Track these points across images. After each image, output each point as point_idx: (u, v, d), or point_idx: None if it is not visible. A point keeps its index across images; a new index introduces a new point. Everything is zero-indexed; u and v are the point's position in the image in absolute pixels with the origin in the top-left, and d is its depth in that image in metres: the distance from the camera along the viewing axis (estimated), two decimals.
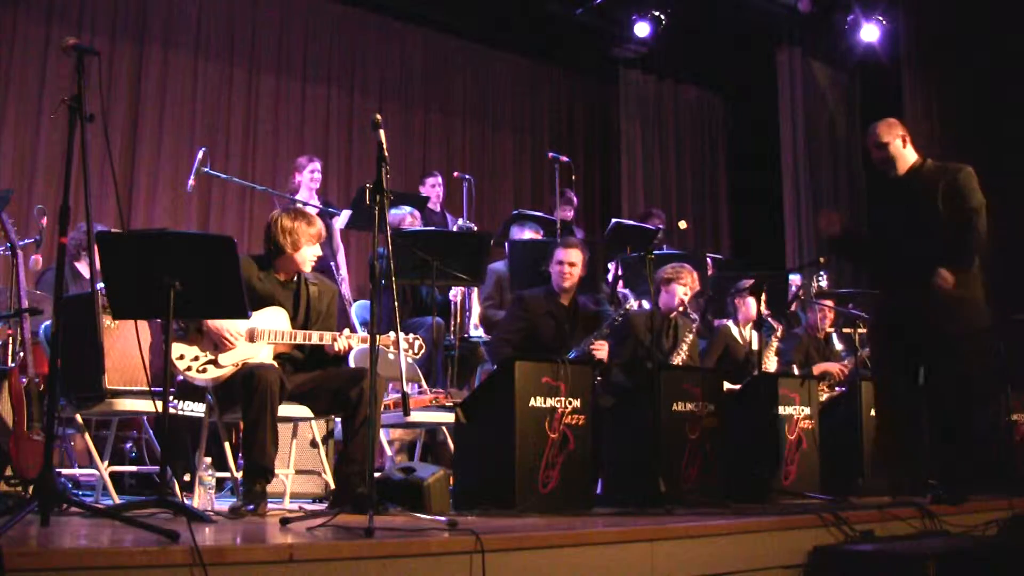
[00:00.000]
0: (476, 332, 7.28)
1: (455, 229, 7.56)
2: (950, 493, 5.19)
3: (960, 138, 10.50)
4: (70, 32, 7.53)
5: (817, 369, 7.31)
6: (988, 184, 6.01)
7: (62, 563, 2.69)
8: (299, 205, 6.70)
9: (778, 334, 7.35)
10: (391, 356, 4.78)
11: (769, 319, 7.14)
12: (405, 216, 7.14)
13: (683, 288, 6.58)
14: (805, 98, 11.46)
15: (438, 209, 8.43)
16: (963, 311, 5.38)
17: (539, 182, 11.44)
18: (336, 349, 4.79)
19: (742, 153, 12.53)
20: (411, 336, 4.83)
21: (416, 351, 4.76)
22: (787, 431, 5.93)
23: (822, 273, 8.28)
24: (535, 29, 10.96)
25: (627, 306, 6.39)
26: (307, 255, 4.92)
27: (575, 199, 9.04)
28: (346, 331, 4.84)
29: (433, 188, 8.49)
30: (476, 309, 7.38)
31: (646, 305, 6.70)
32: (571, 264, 6.07)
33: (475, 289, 7.19)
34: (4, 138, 8.36)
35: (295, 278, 4.99)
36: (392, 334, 4.63)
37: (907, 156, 5.67)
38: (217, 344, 4.69)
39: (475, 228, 8.06)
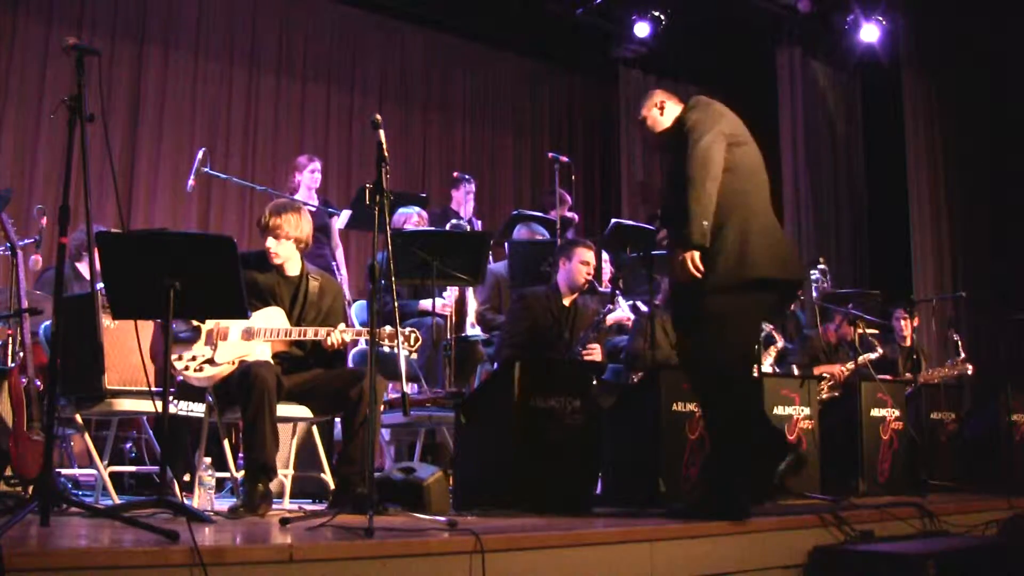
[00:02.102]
0: (473, 331, 7.26)
1: (448, 227, 7.51)
2: (715, 503, 4.30)
3: (960, 139, 10.52)
4: (70, 32, 7.53)
5: (818, 370, 7.30)
6: (988, 185, 5.93)
7: (62, 563, 2.69)
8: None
9: (778, 345, 7.33)
10: (386, 350, 4.76)
11: (773, 332, 7.14)
12: (411, 215, 7.13)
13: None
14: (805, 98, 11.46)
15: (465, 215, 8.32)
16: (694, 296, 4.46)
17: (539, 182, 11.45)
18: (330, 343, 4.78)
19: None
20: (407, 329, 4.81)
21: (413, 344, 4.74)
22: (787, 431, 5.92)
23: (816, 274, 8.28)
24: (535, 29, 10.96)
25: (610, 307, 6.44)
26: (270, 245, 4.93)
27: (569, 198, 9.01)
28: (341, 325, 4.81)
29: (468, 195, 8.35)
30: (472, 305, 7.37)
31: (642, 307, 6.72)
32: (592, 264, 6.16)
33: (470, 288, 7.18)
34: (4, 138, 8.37)
35: (297, 274, 4.99)
36: (388, 327, 4.63)
37: (664, 121, 4.76)
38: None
39: (464, 227, 7.96)
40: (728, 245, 4.36)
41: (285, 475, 5.13)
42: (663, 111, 4.74)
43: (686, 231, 4.27)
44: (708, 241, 4.28)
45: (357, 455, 4.54)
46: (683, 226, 4.29)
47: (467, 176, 8.54)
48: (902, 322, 8.13)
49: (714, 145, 4.40)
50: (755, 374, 4.89)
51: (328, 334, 4.74)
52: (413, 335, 4.70)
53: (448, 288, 6.57)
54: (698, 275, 4.30)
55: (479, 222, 8.39)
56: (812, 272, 8.49)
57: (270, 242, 4.90)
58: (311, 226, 5.06)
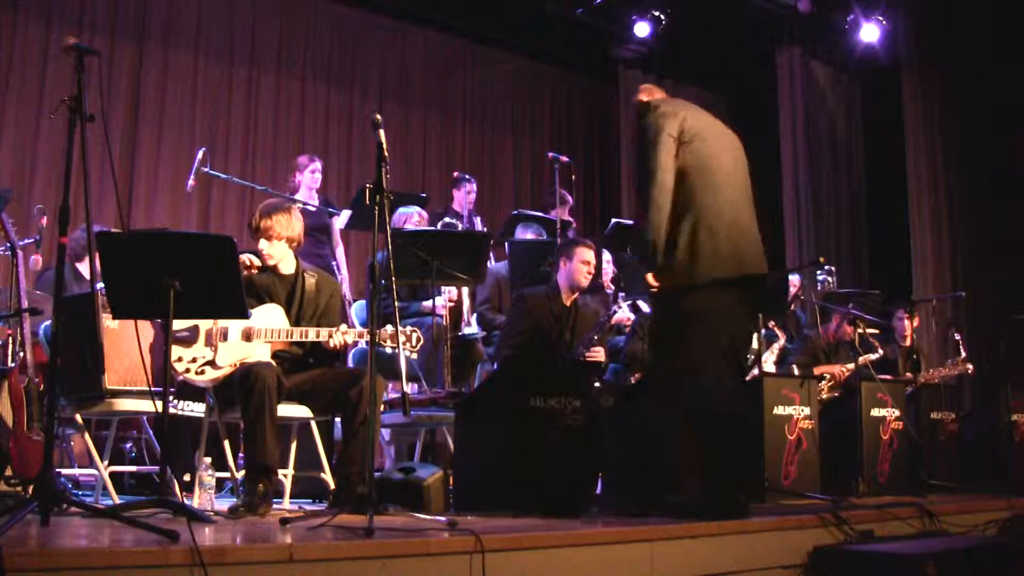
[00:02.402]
0: (470, 329, 7.25)
1: (440, 226, 7.50)
2: (699, 504, 4.29)
3: (960, 139, 10.51)
4: (70, 32, 7.54)
5: (818, 370, 7.30)
6: (989, 185, 5.88)
7: (62, 563, 2.69)
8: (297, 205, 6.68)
9: (780, 342, 7.33)
10: (389, 351, 4.77)
11: (775, 329, 7.13)
12: (411, 215, 7.13)
13: None
14: (805, 98, 11.45)
15: (465, 214, 8.31)
16: (657, 305, 4.61)
17: (539, 182, 11.45)
18: (332, 345, 4.78)
19: None
20: (408, 329, 4.81)
21: (415, 344, 4.74)
22: (787, 431, 5.92)
23: (823, 274, 8.27)
24: (535, 29, 10.96)
25: (615, 308, 6.43)
26: (262, 247, 4.94)
27: (570, 199, 9.00)
28: (343, 326, 4.83)
29: (468, 195, 8.32)
30: (466, 302, 7.36)
31: (643, 307, 6.71)
32: (592, 264, 6.16)
33: (466, 289, 7.17)
34: (4, 138, 8.37)
35: (294, 273, 5.00)
36: (389, 327, 4.63)
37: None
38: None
39: (455, 226, 7.92)
40: (680, 249, 4.36)
41: (285, 475, 5.13)
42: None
43: (645, 248, 4.31)
44: (661, 255, 4.29)
45: (357, 455, 4.54)
46: (642, 238, 4.33)
47: (467, 176, 8.54)
48: (904, 322, 8.11)
49: (661, 153, 4.37)
50: (738, 374, 4.78)
51: (330, 335, 4.75)
52: (415, 335, 4.70)
53: (443, 288, 6.58)
54: (654, 287, 4.34)
55: (478, 219, 8.38)
56: (818, 272, 8.49)
57: (262, 244, 4.91)
58: (302, 224, 5.07)
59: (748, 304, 4.56)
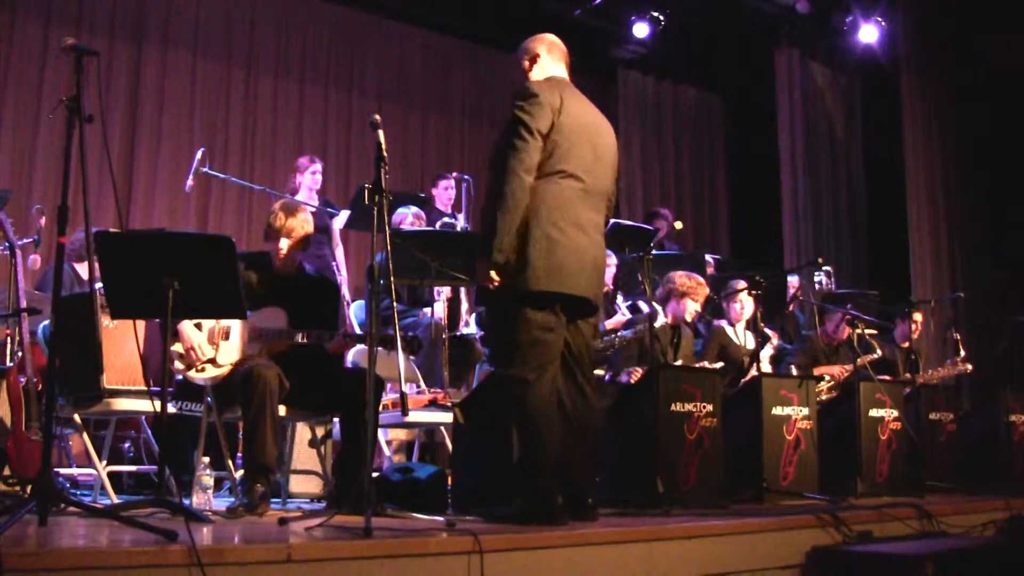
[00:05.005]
0: (468, 329, 7.26)
1: (439, 226, 7.51)
2: (526, 508, 4.08)
3: (959, 139, 10.53)
4: (69, 32, 7.53)
5: (818, 371, 7.30)
6: (988, 186, 5.88)
7: (60, 563, 2.69)
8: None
9: (773, 342, 7.33)
10: (388, 355, 4.76)
11: (765, 329, 7.13)
12: (406, 216, 7.13)
13: (695, 306, 6.63)
14: (804, 99, 11.47)
15: (448, 211, 8.36)
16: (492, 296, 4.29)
17: None
18: (333, 347, 4.79)
19: (741, 154, 12.54)
20: (409, 334, 4.81)
21: (415, 350, 4.74)
22: (785, 431, 5.93)
23: (821, 275, 8.26)
24: (534, 29, 10.90)
25: (641, 317, 6.41)
26: (283, 246, 4.94)
27: None
28: (343, 330, 4.84)
29: (446, 191, 8.42)
30: (464, 303, 7.37)
31: (643, 308, 6.71)
32: None
33: (463, 288, 7.17)
34: (3, 138, 8.37)
35: (293, 273, 4.99)
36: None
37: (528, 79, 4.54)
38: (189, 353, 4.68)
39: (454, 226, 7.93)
40: (517, 254, 4.18)
41: (283, 475, 5.13)
42: (532, 67, 4.56)
43: (491, 245, 4.11)
44: (504, 258, 4.12)
45: (355, 455, 4.54)
46: (488, 235, 4.13)
47: (445, 173, 8.60)
48: (907, 323, 8.00)
49: (524, 151, 4.21)
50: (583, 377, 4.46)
51: (331, 338, 4.75)
52: (415, 342, 4.69)
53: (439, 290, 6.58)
54: (491, 285, 4.17)
55: (461, 215, 8.38)
56: (816, 274, 8.49)
57: (283, 243, 4.92)
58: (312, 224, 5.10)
59: (579, 307, 4.38)
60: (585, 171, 4.31)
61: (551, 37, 4.72)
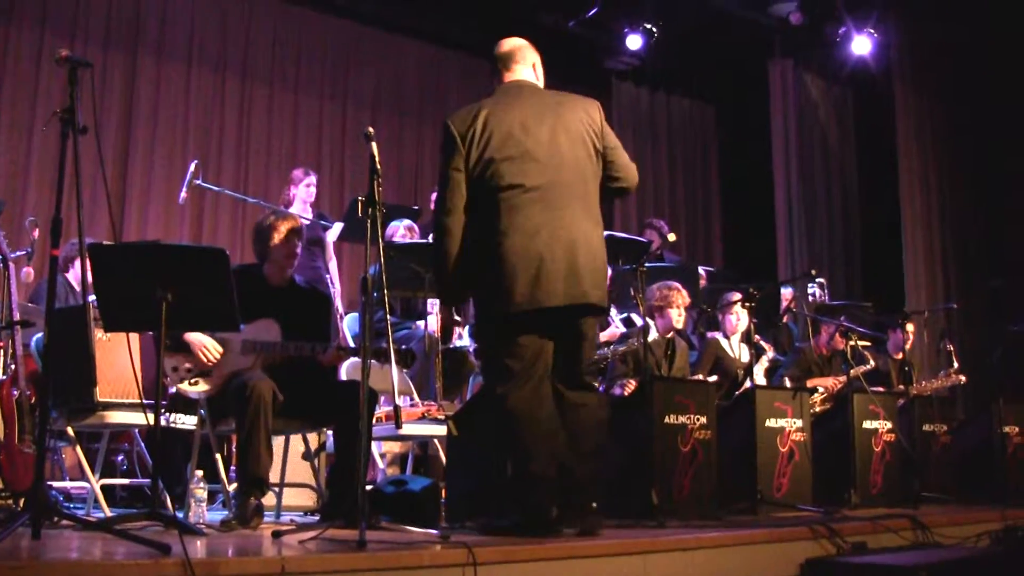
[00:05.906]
0: (461, 342, 7.25)
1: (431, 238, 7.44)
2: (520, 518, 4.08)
3: (955, 150, 10.56)
4: (63, 42, 7.54)
5: (811, 382, 7.30)
6: (982, 196, 5.88)
7: None
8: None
9: (768, 355, 7.34)
10: (382, 368, 4.77)
11: (760, 342, 7.13)
12: (398, 228, 7.13)
13: (677, 311, 6.64)
14: (797, 110, 11.50)
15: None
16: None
17: None
18: (327, 360, 4.79)
19: (735, 165, 12.56)
20: (403, 347, 4.81)
21: (409, 363, 4.74)
22: (779, 443, 5.93)
23: (815, 287, 8.27)
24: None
25: (632, 341, 6.41)
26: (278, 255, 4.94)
27: None
28: (337, 342, 4.84)
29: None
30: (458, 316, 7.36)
31: (637, 320, 6.72)
32: None
33: None
34: None
35: (286, 286, 4.99)
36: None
37: None
38: (200, 355, 4.67)
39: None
40: (479, 280, 4.19)
41: (277, 488, 5.12)
42: (495, 81, 4.61)
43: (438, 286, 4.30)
44: (453, 301, 4.21)
45: (349, 468, 4.54)
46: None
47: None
48: (899, 334, 8.02)
49: (443, 194, 4.21)
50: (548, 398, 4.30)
51: (324, 351, 4.75)
52: (409, 355, 4.69)
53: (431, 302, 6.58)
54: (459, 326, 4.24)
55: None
56: (810, 285, 8.50)
57: (276, 236, 4.93)
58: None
59: (553, 331, 4.23)
60: (535, 174, 4.17)
61: (506, 42, 4.78)
